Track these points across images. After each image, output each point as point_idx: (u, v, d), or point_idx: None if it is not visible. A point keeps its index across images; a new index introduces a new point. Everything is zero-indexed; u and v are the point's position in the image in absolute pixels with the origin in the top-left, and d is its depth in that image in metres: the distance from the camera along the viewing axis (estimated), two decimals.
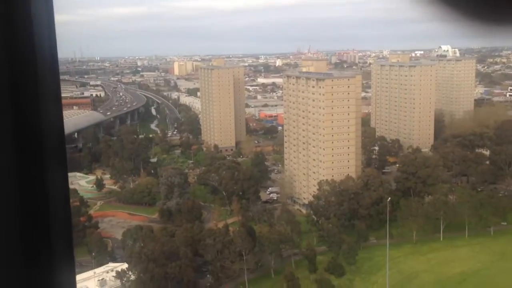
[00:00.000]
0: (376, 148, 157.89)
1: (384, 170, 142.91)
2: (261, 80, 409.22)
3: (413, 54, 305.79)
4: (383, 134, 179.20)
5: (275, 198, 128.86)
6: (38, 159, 2.50)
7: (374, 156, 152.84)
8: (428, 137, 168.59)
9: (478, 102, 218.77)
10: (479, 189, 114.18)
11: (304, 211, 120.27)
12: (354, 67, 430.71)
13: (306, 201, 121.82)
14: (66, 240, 2.60)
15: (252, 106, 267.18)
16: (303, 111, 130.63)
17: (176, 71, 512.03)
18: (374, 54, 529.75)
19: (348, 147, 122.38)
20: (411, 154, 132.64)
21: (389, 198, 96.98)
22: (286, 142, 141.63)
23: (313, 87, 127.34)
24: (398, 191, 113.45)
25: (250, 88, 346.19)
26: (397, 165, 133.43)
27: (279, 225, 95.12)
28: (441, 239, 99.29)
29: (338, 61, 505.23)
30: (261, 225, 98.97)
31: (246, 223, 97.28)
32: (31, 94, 2.47)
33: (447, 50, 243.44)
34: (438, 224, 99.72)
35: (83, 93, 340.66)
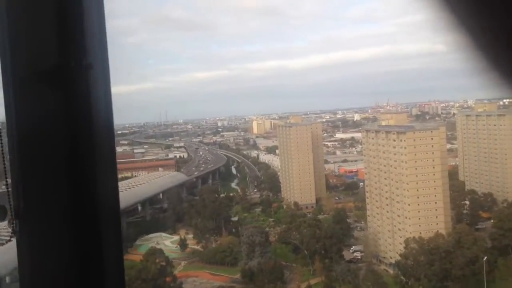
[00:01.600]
0: (467, 202, 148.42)
1: (477, 226, 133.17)
2: (339, 135, 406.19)
3: (501, 103, 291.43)
4: (473, 187, 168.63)
5: (359, 257, 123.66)
6: (95, 232, 2.58)
7: (465, 211, 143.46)
8: None
9: None
10: None
11: (391, 271, 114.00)
12: (437, 118, 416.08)
13: (392, 260, 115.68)
14: None
15: (332, 162, 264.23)
16: (385, 166, 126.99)
17: (255, 130, 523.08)
18: (458, 104, 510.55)
19: (436, 202, 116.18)
20: (506, 209, 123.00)
21: (485, 257, 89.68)
22: (368, 197, 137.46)
23: (394, 140, 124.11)
24: (495, 249, 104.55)
25: (329, 143, 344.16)
26: (492, 221, 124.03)
27: (365, 287, 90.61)
28: None
29: (419, 113, 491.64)
30: (345, 286, 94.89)
31: (330, 284, 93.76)
32: (88, 163, 2.56)
33: None
34: None
35: (167, 155, 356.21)
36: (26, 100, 2.48)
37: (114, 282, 2.70)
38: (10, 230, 2.65)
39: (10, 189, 2.61)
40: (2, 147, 2.80)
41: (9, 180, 2.63)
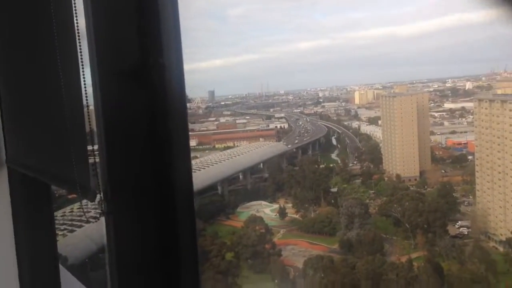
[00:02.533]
0: None
1: None
2: (448, 105, 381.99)
3: None
4: None
5: (466, 233, 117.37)
6: (171, 213, 2.94)
7: None
8: None
9: None
10: None
11: (501, 249, 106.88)
12: None
13: (503, 238, 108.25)
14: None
15: (438, 133, 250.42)
16: (499, 138, 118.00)
17: (357, 100, 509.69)
18: None
19: None
20: None
21: None
22: (478, 171, 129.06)
23: (511, 110, 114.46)
24: None
25: (436, 114, 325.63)
26: None
27: (471, 263, 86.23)
28: None
29: None
30: (449, 262, 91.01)
31: (433, 259, 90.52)
32: (165, 152, 2.90)
33: None
34: None
35: (268, 126, 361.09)
36: (111, 94, 2.85)
37: (188, 258, 3.02)
38: (99, 210, 3.02)
39: (99, 174, 2.96)
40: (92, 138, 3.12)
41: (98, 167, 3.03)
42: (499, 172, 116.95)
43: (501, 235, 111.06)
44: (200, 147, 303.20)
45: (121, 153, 2.90)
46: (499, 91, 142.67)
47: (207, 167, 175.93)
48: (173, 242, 2.93)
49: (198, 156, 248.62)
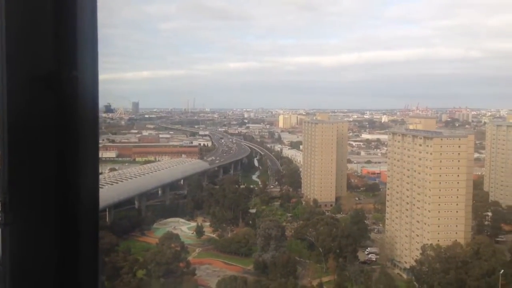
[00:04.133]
0: (489, 214, 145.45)
1: (497, 239, 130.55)
2: (365, 136, 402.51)
3: None
4: (497, 199, 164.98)
5: (374, 259, 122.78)
6: (73, 229, 2.80)
7: (486, 223, 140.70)
8: None
9: None
10: None
11: (404, 276, 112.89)
12: (467, 126, 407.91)
13: (407, 266, 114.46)
14: None
15: (355, 162, 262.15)
16: (408, 170, 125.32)
17: (281, 124, 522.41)
18: (489, 113, 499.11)
19: (457, 211, 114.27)
20: None
21: (502, 270, 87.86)
22: (388, 201, 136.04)
23: (420, 145, 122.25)
24: None
25: (354, 143, 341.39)
26: None
27: None
28: None
29: (449, 119, 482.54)
30: (357, 286, 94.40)
31: (342, 283, 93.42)
32: (72, 164, 2.78)
33: None
34: None
35: (192, 142, 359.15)
36: (18, 101, 2.70)
37: (88, 279, 2.85)
38: None
39: None
40: None
41: None
42: (407, 203, 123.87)
43: (406, 263, 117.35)
44: (120, 159, 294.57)
45: (24, 162, 2.75)
46: (411, 126, 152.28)
47: (125, 180, 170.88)
48: (73, 257, 2.80)
49: (117, 168, 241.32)
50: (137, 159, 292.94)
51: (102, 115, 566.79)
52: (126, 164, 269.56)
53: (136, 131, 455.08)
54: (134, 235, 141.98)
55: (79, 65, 2.78)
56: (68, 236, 2.77)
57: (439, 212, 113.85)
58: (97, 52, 2.85)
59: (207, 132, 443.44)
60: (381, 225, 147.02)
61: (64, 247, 2.76)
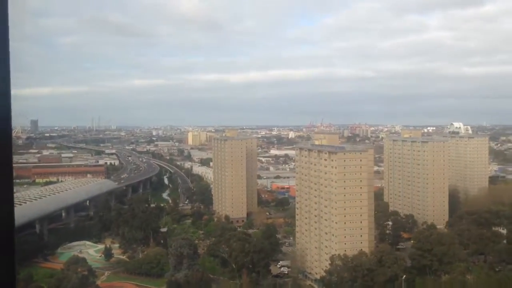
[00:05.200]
0: (390, 223, 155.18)
1: (398, 246, 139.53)
2: (274, 151, 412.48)
3: (425, 130, 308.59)
4: (396, 208, 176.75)
5: (286, 272, 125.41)
6: None
7: (387, 231, 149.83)
8: (443, 213, 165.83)
9: (493, 180, 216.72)
10: (497, 269, 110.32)
11: (316, 286, 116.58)
12: (366, 141, 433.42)
13: (318, 276, 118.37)
14: None
15: (264, 177, 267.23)
16: (315, 184, 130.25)
17: (190, 141, 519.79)
18: (386, 129, 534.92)
19: (361, 221, 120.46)
20: (426, 231, 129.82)
21: (404, 276, 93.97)
22: (297, 214, 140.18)
23: (325, 160, 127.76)
24: (414, 268, 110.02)
25: (263, 159, 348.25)
26: (412, 242, 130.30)
27: None
28: None
29: (350, 134, 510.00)
30: None
31: None
32: None
33: (459, 127, 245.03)
34: None
35: (97, 161, 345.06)
36: None
37: None
38: None
39: None
40: None
41: None
42: (315, 216, 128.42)
43: (316, 274, 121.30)
44: (18, 181, 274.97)
45: None
46: (316, 142, 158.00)
47: (24, 203, 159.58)
48: None
49: (15, 190, 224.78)
50: (37, 180, 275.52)
51: None
52: (25, 186, 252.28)
53: (35, 150, 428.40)
54: (36, 262, 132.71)
55: None
56: None
57: (345, 223, 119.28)
58: (8, 50, 2.73)
59: (113, 151, 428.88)
60: (291, 238, 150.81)
61: None
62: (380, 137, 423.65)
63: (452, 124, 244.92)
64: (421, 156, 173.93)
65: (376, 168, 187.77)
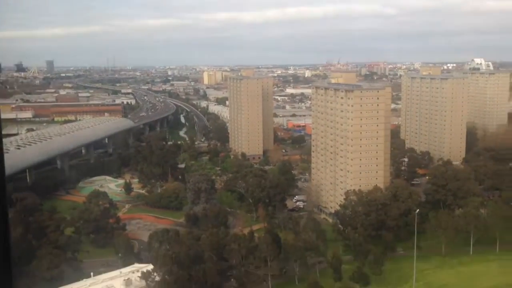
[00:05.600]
0: (406, 159, 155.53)
1: (413, 182, 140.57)
2: (290, 90, 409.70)
3: (445, 67, 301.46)
4: (413, 146, 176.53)
5: (301, 207, 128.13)
6: None
7: (403, 168, 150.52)
8: (460, 150, 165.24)
9: None
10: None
11: (330, 220, 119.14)
12: (384, 79, 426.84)
13: (332, 210, 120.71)
14: (5, 272, 2.56)
15: (281, 115, 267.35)
16: (331, 122, 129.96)
17: (206, 81, 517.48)
18: (404, 66, 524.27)
19: (377, 158, 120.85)
20: (441, 167, 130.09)
21: (418, 210, 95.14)
22: (313, 151, 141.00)
23: (342, 98, 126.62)
24: (428, 203, 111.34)
25: (279, 98, 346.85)
26: (427, 177, 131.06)
27: (304, 233, 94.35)
28: (471, 252, 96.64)
29: (368, 73, 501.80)
30: (286, 232, 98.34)
31: (272, 230, 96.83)
32: None
33: (480, 64, 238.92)
34: (468, 237, 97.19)
35: (114, 101, 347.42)
36: None
37: None
38: None
39: None
40: None
41: None
42: (331, 153, 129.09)
43: (331, 208, 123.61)
44: (37, 119, 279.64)
45: None
46: (333, 80, 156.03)
47: (45, 140, 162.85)
48: None
49: (35, 128, 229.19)
50: (56, 118, 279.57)
51: (14, 74, 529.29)
52: (44, 124, 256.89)
53: (52, 90, 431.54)
54: (58, 195, 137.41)
55: None
56: None
57: (360, 160, 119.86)
58: None
59: (130, 90, 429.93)
60: (307, 174, 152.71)
61: None
62: (399, 74, 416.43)
63: (473, 60, 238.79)
64: (439, 93, 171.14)
65: (393, 106, 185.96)
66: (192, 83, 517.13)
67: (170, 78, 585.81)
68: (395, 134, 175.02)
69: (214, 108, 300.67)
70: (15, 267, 75.08)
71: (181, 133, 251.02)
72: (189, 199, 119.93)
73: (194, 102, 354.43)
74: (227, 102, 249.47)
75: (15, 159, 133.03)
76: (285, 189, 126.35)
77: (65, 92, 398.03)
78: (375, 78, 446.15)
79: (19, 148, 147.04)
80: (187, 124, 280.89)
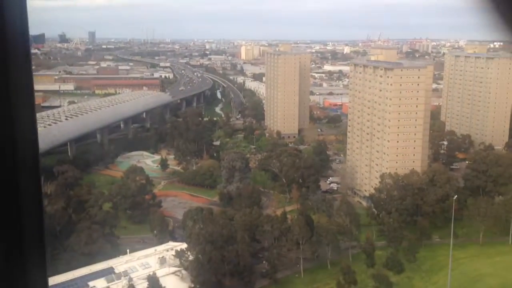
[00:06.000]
0: (445, 143, 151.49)
1: (452, 167, 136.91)
2: (327, 67, 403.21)
3: (492, 45, 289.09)
4: (453, 128, 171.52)
5: (335, 188, 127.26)
6: (11, 164, 2.55)
7: (442, 151, 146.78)
8: (503, 134, 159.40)
9: None
10: None
11: (364, 203, 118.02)
12: (426, 57, 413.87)
13: (367, 194, 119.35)
14: (39, 247, 2.61)
15: (317, 93, 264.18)
16: (369, 101, 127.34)
17: (243, 56, 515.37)
18: (449, 44, 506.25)
19: (415, 140, 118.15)
20: (482, 151, 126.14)
21: (456, 196, 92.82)
22: (349, 132, 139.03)
23: (381, 76, 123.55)
24: (466, 189, 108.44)
25: (316, 75, 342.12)
26: (467, 162, 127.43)
27: (337, 216, 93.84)
28: (510, 242, 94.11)
29: (409, 50, 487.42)
30: (319, 214, 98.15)
31: (305, 212, 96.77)
32: (3, 96, 2.51)
33: None
34: (508, 226, 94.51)
35: (153, 74, 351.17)
36: None
37: (32, 230, 2.65)
38: None
39: None
40: None
41: None
42: (367, 134, 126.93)
43: (365, 191, 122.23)
44: (79, 91, 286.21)
45: None
46: (372, 58, 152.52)
47: (86, 113, 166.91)
48: (14, 205, 2.59)
49: (76, 101, 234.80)
50: (96, 91, 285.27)
51: (57, 45, 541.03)
52: (86, 96, 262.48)
53: (94, 62, 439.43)
54: (97, 169, 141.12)
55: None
56: (8, 185, 2.53)
57: (397, 142, 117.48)
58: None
59: (168, 64, 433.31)
60: (342, 155, 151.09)
61: (3, 197, 2.54)
62: (442, 52, 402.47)
63: None
64: (484, 73, 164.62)
65: (434, 85, 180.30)
66: (230, 58, 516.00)
67: (208, 52, 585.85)
68: (435, 115, 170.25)
69: (250, 84, 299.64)
70: (56, 240, 77.93)
71: (217, 109, 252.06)
72: (223, 177, 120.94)
73: (231, 77, 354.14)
74: (264, 79, 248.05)
75: (58, 132, 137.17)
76: (319, 170, 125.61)
77: (105, 65, 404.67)
78: (417, 55, 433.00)
79: (61, 121, 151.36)
80: (223, 100, 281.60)
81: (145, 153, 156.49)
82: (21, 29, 2.53)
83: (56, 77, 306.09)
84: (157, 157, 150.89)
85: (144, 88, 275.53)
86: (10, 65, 2.50)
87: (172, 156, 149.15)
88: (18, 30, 2.52)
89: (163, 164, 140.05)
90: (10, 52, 2.49)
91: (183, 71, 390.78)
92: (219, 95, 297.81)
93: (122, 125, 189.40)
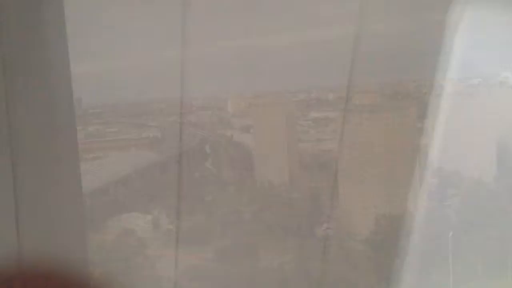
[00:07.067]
0: None
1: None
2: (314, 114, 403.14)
3: None
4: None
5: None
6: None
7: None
8: None
9: None
10: None
11: None
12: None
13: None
14: None
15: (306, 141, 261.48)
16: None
17: (230, 108, 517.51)
18: None
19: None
20: None
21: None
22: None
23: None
24: None
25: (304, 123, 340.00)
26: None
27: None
28: None
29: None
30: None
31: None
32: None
33: None
34: None
35: (141, 135, 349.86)
36: None
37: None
38: None
39: None
40: None
41: None
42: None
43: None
44: None
45: None
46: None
47: None
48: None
49: None
50: (84, 156, 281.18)
51: None
52: None
53: (80, 127, 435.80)
54: None
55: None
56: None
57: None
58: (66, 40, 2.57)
59: (155, 123, 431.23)
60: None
61: None
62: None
63: None
64: None
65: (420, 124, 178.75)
66: (217, 112, 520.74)
67: (194, 108, 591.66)
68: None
69: (238, 136, 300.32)
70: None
71: (207, 164, 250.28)
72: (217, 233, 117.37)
73: (219, 131, 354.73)
74: (251, 130, 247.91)
75: None
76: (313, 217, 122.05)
77: (93, 129, 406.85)
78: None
79: None
80: (212, 154, 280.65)
81: (135, 213, 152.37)
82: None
83: None
84: (149, 217, 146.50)
85: (133, 149, 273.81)
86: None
87: (164, 215, 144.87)
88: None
89: (155, 223, 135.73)
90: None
91: (171, 129, 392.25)
92: (207, 150, 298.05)
93: (110, 188, 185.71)
